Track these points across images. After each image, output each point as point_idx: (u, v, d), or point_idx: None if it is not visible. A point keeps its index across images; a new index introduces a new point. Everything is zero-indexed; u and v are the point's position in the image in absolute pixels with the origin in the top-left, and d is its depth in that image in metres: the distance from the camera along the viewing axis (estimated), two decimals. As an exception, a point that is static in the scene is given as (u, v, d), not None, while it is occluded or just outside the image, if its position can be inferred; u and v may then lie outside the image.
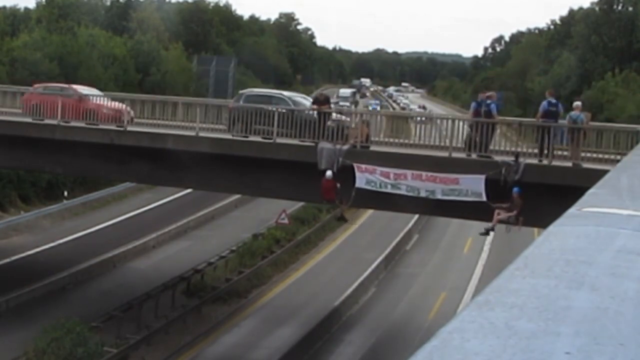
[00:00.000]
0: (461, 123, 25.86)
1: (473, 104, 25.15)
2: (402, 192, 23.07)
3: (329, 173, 23.67)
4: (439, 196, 22.86)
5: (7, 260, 35.84)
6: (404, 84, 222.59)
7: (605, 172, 5.96)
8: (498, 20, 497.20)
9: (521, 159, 22.65)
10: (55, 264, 35.50)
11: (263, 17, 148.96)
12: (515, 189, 21.98)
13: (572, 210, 3.59)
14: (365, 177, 23.50)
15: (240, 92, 30.73)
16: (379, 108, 58.32)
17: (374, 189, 23.45)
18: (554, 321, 1.98)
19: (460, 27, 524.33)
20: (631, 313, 2.10)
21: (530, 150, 23.92)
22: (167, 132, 27.23)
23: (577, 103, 24.61)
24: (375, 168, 23.51)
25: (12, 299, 31.07)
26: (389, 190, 23.27)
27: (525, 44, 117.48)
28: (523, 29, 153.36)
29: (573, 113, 23.71)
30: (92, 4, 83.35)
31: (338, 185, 23.79)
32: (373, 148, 25.02)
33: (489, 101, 24.27)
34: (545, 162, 22.93)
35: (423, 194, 22.95)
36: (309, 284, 37.05)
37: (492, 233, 24.04)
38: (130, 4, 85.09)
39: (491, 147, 23.74)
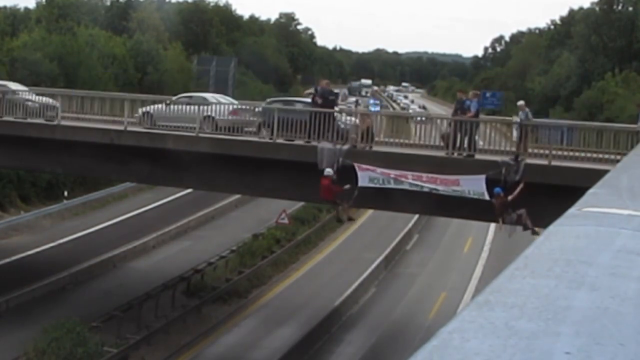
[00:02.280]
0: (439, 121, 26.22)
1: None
2: (406, 187, 23.05)
3: (328, 170, 23.60)
4: (442, 191, 22.89)
5: (7, 260, 35.84)
6: (404, 83, 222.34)
7: (605, 172, 5.96)
8: (498, 21, 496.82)
9: (521, 159, 22.68)
10: (55, 264, 35.49)
11: (263, 17, 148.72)
12: (496, 189, 21.94)
13: (572, 210, 3.59)
14: (368, 175, 23.46)
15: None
16: (379, 109, 58.18)
17: (377, 185, 23.41)
18: (554, 321, 1.98)
19: (461, 27, 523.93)
20: (631, 313, 2.10)
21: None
22: (167, 132, 27.21)
23: (521, 102, 25.43)
24: (375, 169, 23.51)
25: (12, 299, 31.06)
26: (392, 185, 23.25)
27: (525, 44, 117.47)
28: (523, 29, 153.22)
29: (521, 113, 24.32)
30: (92, 4, 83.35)
31: (335, 182, 23.61)
32: (373, 148, 25.01)
33: (467, 100, 24.73)
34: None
35: (426, 189, 22.95)
36: (309, 284, 37.05)
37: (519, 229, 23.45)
38: (130, 4, 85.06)
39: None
